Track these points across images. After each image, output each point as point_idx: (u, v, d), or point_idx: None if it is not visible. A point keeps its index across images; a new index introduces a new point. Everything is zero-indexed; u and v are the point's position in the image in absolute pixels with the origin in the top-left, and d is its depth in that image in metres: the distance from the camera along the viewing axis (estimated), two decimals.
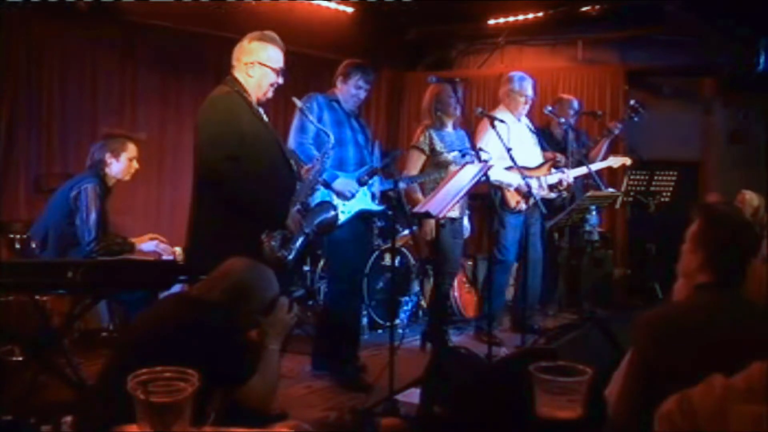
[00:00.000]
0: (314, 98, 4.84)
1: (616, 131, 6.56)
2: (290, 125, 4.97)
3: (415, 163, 5.60)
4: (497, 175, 5.62)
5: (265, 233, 3.82)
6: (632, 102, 6.62)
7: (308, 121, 4.61)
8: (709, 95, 8.27)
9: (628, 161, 6.49)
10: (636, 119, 6.54)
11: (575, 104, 6.83)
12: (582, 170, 6.15)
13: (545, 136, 6.45)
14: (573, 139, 6.72)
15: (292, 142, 4.76)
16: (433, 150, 5.54)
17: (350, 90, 4.91)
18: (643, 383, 2.15)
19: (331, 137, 4.33)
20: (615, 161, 6.41)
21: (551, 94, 7.60)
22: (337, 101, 4.93)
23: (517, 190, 5.84)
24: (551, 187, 6.05)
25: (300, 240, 4.05)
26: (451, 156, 5.51)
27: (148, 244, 4.92)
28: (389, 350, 4.25)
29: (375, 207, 4.97)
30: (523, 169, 5.55)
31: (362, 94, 4.98)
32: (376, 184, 4.96)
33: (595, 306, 6.79)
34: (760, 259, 2.42)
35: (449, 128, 5.67)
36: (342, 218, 4.75)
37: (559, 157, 6.30)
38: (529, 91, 6.08)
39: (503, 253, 6.01)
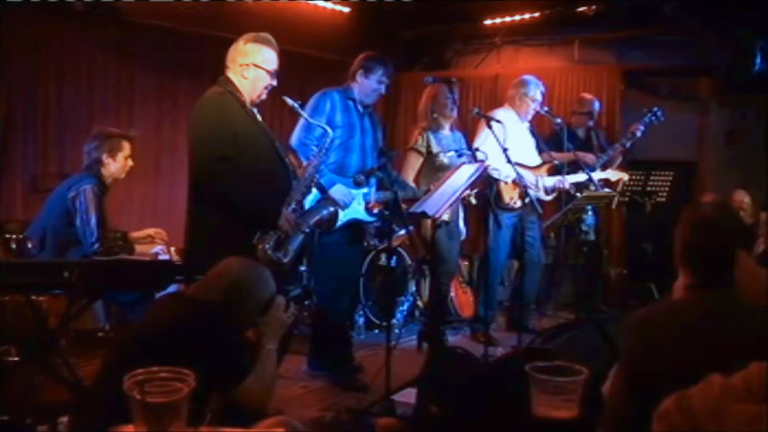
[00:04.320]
0: (329, 95, 4.77)
1: (638, 134, 6.57)
2: (286, 125, 4.95)
3: (413, 164, 5.60)
4: (495, 166, 5.61)
5: (257, 236, 3.82)
6: (655, 108, 6.63)
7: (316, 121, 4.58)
8: (705, 95, 8.27)
9: (625, 176, 6.51)
10: (655, 122, 6.55)
11: (596, 104, 6.88)
12: (580, 177, 6.16)
13: (569, 136, 6.47)
14: (595, 140, 6.79)
15: (294, 140, 4.67)
16: (429, 152, 5.54)
17: (372, 84, 4.82)
18: (632, 382, 2.16)
19: (330, 133, 4.30)
20: (613, 174, 6.43)
21: (548, 95, 7.59)
22: (353, 99, 4.85)
23: (515, 183, 5.85)
24: (548, 191, 6.06)
25: (297, 241, 4.05)
26: (447, 158, 5.51)
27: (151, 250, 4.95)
28: (386, 350, 4.25)
29: (367, 217, 4.91)
30: (520, 167, 5.57)
31: (383, 89, 4.90)
32: (373, 190, 4.93)
33: (592, 306, 6.80)
34: (755, 258, 2.42)
35: (446, 130, 5.67)
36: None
37: (591, 158, 6.36)
38: (539, 97, 6.15)
39: (491, 252, 6.00)
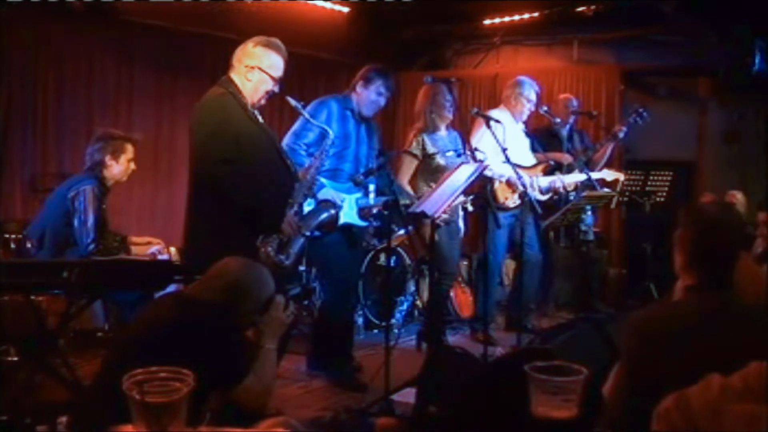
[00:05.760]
0: (327, 104, 4.76)
1: (621, 135, 6.58)
2: (286, 126, 4.94)
3: (408, 167, 5.60)
4: (490, 165, 5.61)
5: (260, 239, 3.81)
6: (638, 108, 6.63)
7: (309, 127, 4.58)
8: (704, 95, 8.28)
9: (621, 177, 6.52)
10: (640, 123, 6.55)
11: (573, 102, 6.87)
12: (580, 176, 6.17)
13: (549, 135, 6.47)
14: (578, 140, 6.77)
15: (283, 144, 4.63)
16: (425, 154, 5.54)
17: (370, 96, 4.81)
18: (632, 382, 2.16)
19: (331, 133, 4.30)
20: (609, 175, 6.44)
21: (547, 95, 7.61)
22: (352, 109, 4.83)
23: (509, 183, 5.85)
24: (543, 191, 6.07)
25: (299, 243, 4.04)
26: (444, 159, 5.51)
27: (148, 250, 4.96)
28: (385, 350, 4.25)
29: (359, 222, 4.89)
30: (516, 167, 5.57)
31: (382, 101, 4.88)
32: (372, 196, 4.92)
33: (591, 306, 6.81)
34: (753, 258, 2.42)
35: (442, 131, 5.66)
36: None
37: (566, 158, 6.36)
38: (533, 97, 6.15)
39: (489, 253, 6.00)
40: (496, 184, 5.91)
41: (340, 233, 4.76)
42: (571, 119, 6.81)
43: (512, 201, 5.94)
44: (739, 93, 7.85)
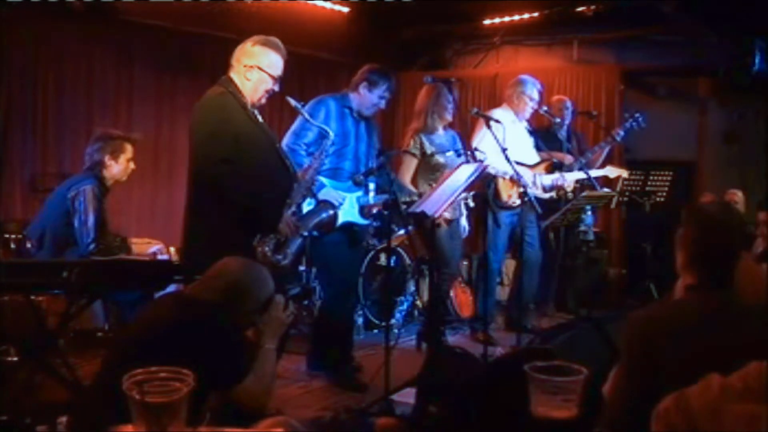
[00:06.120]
0: (325, 103, 4.73)
1: (618, 138, 6.59)
2: (286, 126, 4.93)
3: (408, 167, 5.59)
4: (493, 163, 5.61)
5: (257, 238, 3.81)
6: (635, 112, 6.63)
7: (308, 127, 4.57)
8: (704, 95, 8.29)
9: (624, 173, 6.52)
10: (636, 128, 6.56)
11: (567, 104, 6.87)
12: (582, 174, 6.17)
13: (549, 136, 6.47)
14: (575, 141, 6.78)
15: (283, 144, 4.62)
16: (424, 153, 5.53)
17: (373, 99, 4.79)
18: (633, 382, 2.16)
19: (331, 134, 4.30)
20: (612, 171, 6.45)
21: (547, 94, 7.60)
22: (350, 107, 4.80)
23: (512, 179, 5.84)
24: (546, 189, 6.07)
25: (297, 243, 4.04)
26: (443, 158, 5.51)
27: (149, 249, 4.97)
28: (385, 350, 4.24)
29: (361, 221, 4.87)
30: (518, 165, 5.58)
31: (383, 104, 4.87)
32: (371, 195, 4.91)
33: (591, 306, 6.80)
34: (753, 258, 2.41)
35: (440, 131, 5.65)
36: None
37: (568, 159, 6.37)
38: (536, 96, 6.14)
39: (489, 252, 5.99)
40: (500, 183, 5.91)
41: (341, 232, 4.75)
42: (567, 120, 6.82)
43: (514, 200, 5.93)
44: (739, 93, 7.86)
